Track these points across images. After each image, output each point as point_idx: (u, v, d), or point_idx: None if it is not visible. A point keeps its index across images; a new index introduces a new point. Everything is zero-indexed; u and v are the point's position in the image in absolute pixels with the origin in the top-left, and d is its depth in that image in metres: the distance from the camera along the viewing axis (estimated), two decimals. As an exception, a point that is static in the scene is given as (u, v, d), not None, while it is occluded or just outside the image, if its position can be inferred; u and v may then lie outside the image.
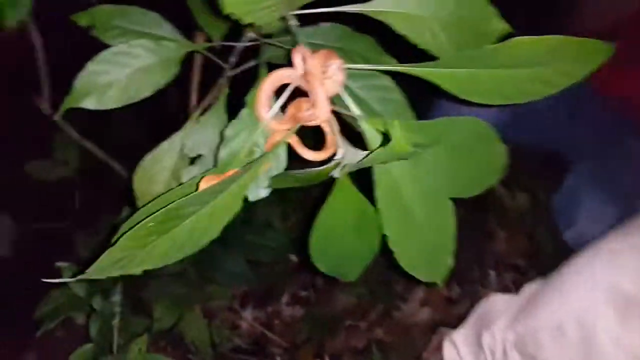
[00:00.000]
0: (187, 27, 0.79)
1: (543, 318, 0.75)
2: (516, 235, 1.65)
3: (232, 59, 0.71)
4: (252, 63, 0.74)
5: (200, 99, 1.14)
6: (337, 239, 0.60)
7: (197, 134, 0.68)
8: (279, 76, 0.54)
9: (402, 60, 0.69)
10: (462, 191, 0.57)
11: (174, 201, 0.43)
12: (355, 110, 0.56)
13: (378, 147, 0.50)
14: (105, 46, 0.74)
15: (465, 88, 0.51)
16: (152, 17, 0.68)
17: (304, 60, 0.52)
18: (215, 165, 0.58)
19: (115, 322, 1.05)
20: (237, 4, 0.43)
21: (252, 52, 0.75)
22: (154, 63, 0.60)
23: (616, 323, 0.66)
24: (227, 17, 0.77)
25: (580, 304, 0.70)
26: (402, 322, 1.60)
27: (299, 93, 0.55)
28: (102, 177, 1.53)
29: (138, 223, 0.44)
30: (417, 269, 0.60)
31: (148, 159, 0.72)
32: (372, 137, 0.55)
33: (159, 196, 0.51)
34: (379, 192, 0.56)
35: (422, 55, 0.59)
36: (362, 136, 0.56)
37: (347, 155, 0.53)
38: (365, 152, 0.51)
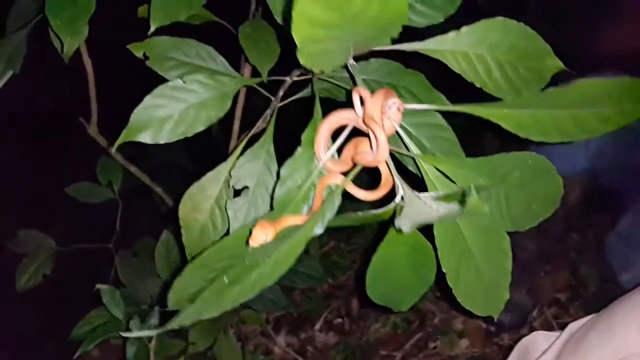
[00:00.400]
0: (232, 58, 0.81)
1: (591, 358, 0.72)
2: (559, 270, 1.60)
3: (281, 92, 0.72)
4: (298, 95, 0.75)
5: (242, 129, 1.16)
6: (393, 273, 0.60)
7: (244, 166, 0.69)
8: (338, 118, 0.54)
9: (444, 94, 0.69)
10: (519, 225, 0.57)
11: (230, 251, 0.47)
12: (414, 149, 0.56)
13: (444, 195, 0.50)
14: (155, 74, 0.76)
15: (527, 128, 0.51)
16: (206, 51, 0.69)
17: (362, 100, 0.52)
18: (271, 206, 0.58)
19: (152, 344, 1.05)
20: (313, 57, 0.44)
21: (296, 84, 0.76)
22: (210, 98, 0.61)
23: None
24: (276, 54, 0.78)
25: (630, 350, 0.67)
26: (439, 354, 1.56)
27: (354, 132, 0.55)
28: (143, 201, 1.56)
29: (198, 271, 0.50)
30: (474, 304, 0.60)
31: (194, 188, 0.73)
32: (432, 175, 0.55)
33: (214, 243, 0.52)
34: (438, 230, 0.55)
35: (463, 90, 0.59)
36: (421, 174, 0.56)
37: (406, 197, 0.53)
38: (425, 195, 0.50)
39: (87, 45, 0.96)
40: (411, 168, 0.61)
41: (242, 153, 0.70)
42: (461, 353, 1.56)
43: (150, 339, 1.06)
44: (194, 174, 0.78)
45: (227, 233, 0.73)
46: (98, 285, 1.09)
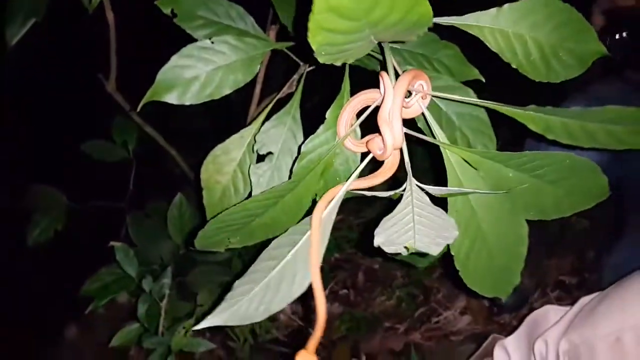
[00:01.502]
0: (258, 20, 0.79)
1: (601, 328, 0.73)
2: (566, 254, 1.60)
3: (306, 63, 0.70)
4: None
5: (262, 93, 1.14)
6: None
7: (269, 131, 0.68)
8: (363, 99, 0.53)
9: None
10: (547, 215, 0.57)
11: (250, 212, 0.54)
12: (440, 136, 0.54)
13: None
14: (177, 34, 0.74)
15: (555, 132, 0.50)
16: (236, 10, 0.68)
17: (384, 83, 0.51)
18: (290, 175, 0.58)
19: (164, 303, 1.06)
20: (331, 57, 0.43)
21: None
22: (238, 60, 0.60)
23: None
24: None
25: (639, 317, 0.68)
26: (442, 329, 1.58)
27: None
28: (158, 162, 1.56)
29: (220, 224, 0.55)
30: (482, 286, 0.61)
31: (218, 150, 0.72)
32: (455, 164, 0.54)
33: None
34: (450, 213, 0.55)
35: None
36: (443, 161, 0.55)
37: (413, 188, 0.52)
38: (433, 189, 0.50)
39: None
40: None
41: (267, 118, 0.70)
42: (463, 329, 1.58)
43: (162, 297, 1.07)
44: (210, 138, 0.77)
45: (249, 197, 0.72)
46: (112, 243, 1.10)
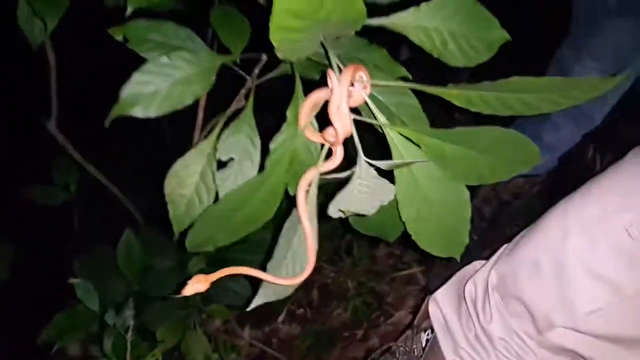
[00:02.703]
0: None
1: (521, 257, 0.80)
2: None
3: (257, 70, 0.77)
4: (273, 74, 0.81)
5: (205, 116, 1.19)
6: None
7: (228, 140, 0.73)
8: (317, 97, 0.62)
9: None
10: (484, 180, 0.66)
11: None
12: (382, 118, 0.63)
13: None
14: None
15: (475, 104, 0.60)
16: (184, 32, 0.74)
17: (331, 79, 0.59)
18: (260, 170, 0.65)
19: (129, 336, 1.07)
20: (289, 52, 0.52)
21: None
22: (194, 74, 0.65)
23: (585, 252, 0.72)
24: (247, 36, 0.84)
25: (553, 240, 0.76)
26: (396, 329, 1.65)
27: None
28: (102, 202, 1.55)
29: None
30: (435, 247, 0.70)
31: (178, 164, 0.77)
32: (397, 142, 0.63)
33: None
34: (398, 184, 0.64)
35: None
36: (387, 141, 0.64)
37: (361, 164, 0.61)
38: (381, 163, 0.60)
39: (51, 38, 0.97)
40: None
41: (220, 131, 0.76)
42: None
43: (126, 330, 1.07)
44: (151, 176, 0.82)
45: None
46: (71, 280, 1.09)
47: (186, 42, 0.73)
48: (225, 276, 1.54)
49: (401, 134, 0.62)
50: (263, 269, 0.66)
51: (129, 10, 0.74)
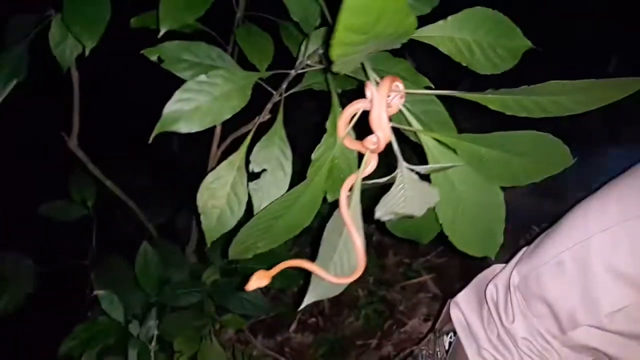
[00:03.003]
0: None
1: (544, 257, 0.82)
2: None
3: (284, 85, 0.80)
4: (298, 88, 0.84)
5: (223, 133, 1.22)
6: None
7: (260, 152, 0.76)
8: (355, 108, 0.65)
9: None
10: (518, 181, 0.69)
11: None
12: (416, 125, 0.66)
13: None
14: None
15: (511, 108, 0.63)
16: (215, 52, 0.77)
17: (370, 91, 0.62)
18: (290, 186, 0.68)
19: (152, 345, 1.08)
20: (343, 66, 0.55)
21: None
22: (231, 90, 0.68)
23: (608, 251, 0.74)
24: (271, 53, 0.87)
25: (576, 240, 0.78)
26: (409, 337, 1.67)
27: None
28: (117, 216, 1.57)
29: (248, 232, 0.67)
30: (470, 247, 0.73)
31: (210, 177, 0.79)
32: (431, 147, 0.66)
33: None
34: (435, 188, 0.66)
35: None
36: (423, 146, 0.67)
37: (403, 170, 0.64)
38: (420, 168, 0.63)
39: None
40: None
41: (249, 144, 0.78)
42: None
43: (150, 340, 1.09)
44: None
45: (246, 215, 0.79)
46: (96, 292, 1.11)
47: (217, 61, 0.76)
48: (239, 287, 1.56)
49: (436, 139, 0.65)
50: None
51: (162, 31, 0.76)
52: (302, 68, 0.76)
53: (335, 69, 0.52)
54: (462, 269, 1.81)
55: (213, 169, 0.79)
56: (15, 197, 1.38)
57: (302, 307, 0.67)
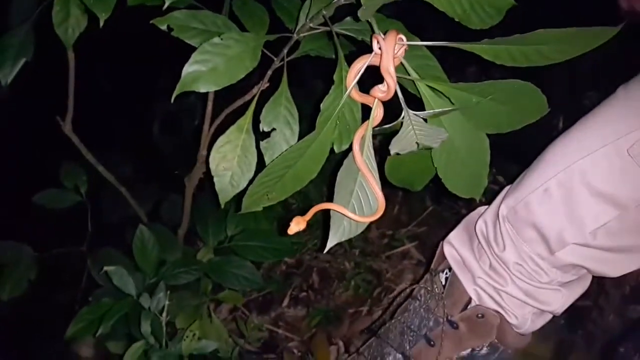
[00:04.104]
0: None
1: (530, 187, 0.91)
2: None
3: (285, 50, 0.85)
4: (297, 54, 0.89)
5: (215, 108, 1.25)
6: (404, 165, 0.80)
7: (269, 112, 0.82)
8: (363, 61, 0.71)
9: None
10: (501, 128, 0.76)
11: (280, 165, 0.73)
12: (415, 75, 0.73)
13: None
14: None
15: (501, 58, 0.70)
16: (221, 20, 0.81)
17: (379, 42, 0.68)
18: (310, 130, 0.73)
19: (164, 316, 1.12)
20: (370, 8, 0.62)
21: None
22: (244, 51, 0.73)
23: (590, 174, 0.83)
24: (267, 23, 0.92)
25: (560, 168, 0.87)
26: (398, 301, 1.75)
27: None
28: (110, 201, 1.59)
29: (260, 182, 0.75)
30: (459, 189, 0.81)
31: (220, 142, 0.84)
32: (428, 95, 0.73)
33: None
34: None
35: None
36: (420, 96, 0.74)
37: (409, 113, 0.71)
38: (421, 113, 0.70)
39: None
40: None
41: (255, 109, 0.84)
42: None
43: (161, 311, 1.13)
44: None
45: (255, 175, 0.85)
46: (106, 267, 1.14)
47: (223, 28, 0.81)
48: (233, 264, 1.60)
49: (433, 88, 0.71)
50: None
51: (167, 2, 0.81)
52: (307, 31, 0.82)
53: (361, 13, 0.58)
54: (441, 236, 1.90)
55: (207, 147, 0.85)
56: (10, 185, 1.38)
57: (326, 249, 0.73)
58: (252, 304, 1.86)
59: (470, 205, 1.91)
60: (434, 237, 1.90)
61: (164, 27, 0.79)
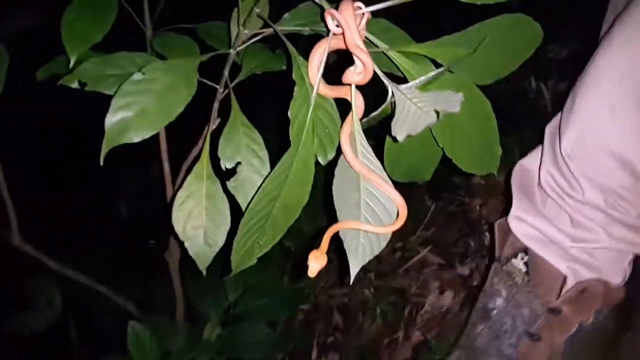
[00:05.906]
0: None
1: (589, 109, 0.78)
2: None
3: (226, 71, 0.72)
4: (241, 77, 0.76)
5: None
6: (405, 155, 0.68)
7: (227, 146, 0.68)
8: (323, 46, 0.59)
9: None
10: (499, 74, 0.65)
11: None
12: (383, 45, 0.60)
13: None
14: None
15: None
16: (139, 58, 0.68)
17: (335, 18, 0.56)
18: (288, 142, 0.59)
19: None
20: None
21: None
22: (175, 80, 0.59)
23: None
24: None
25: (616, 79, 0.74)
26: (433, 315, 1.59)
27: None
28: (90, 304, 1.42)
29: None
30: (472, 166, 0.68)
31: (179, 197, 0.70)
32: (404, 63, 0.61)
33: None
34: None
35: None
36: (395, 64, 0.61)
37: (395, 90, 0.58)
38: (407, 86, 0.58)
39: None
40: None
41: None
42: (450, 303, 1.60)
43: None
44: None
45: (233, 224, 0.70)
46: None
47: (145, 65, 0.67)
48: (245, 332, 1.42)
49: (410, 56, 0.59)
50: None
51: (72, 61, 0.68)
52: (243, 43, 0.69)
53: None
54: (454, 231, 1.76)
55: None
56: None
57: (352, 278, 0.59)
58: (280, 364, 1.69)
59: (471, 190, 1.81)
60: (447, 236, 1.76)
61: (75, 85, 0.66)
